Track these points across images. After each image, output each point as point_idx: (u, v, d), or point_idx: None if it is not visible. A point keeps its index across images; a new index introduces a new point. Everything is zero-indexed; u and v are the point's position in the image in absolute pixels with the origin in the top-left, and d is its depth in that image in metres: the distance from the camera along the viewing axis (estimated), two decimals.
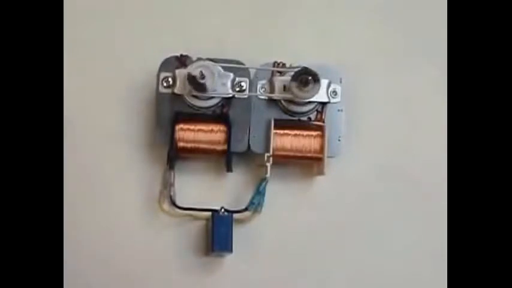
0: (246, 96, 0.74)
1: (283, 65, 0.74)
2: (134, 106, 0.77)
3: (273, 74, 0.74)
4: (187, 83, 0.71)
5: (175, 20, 0.79)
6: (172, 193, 0.74)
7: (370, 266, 0.76)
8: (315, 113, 0.74)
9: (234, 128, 0.73)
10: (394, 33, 0.80)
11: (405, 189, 0.77)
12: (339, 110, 0.75)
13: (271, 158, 0.73)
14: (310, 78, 0.71)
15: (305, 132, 0.74)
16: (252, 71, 0.74)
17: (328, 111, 0.74)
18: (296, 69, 0.71)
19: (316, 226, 0.76)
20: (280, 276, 0.76)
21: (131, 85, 0.77)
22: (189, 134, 0.74)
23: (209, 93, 0.72)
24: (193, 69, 0.71)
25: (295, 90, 0.71)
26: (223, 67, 0.73)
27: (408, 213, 0.77)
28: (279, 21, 0.80)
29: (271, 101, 0.74)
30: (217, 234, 0.72)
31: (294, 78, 0.71)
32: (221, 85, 0.72)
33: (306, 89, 0.71)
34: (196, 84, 0.70)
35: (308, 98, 0.72)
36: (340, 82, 0.74)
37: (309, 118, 0.75)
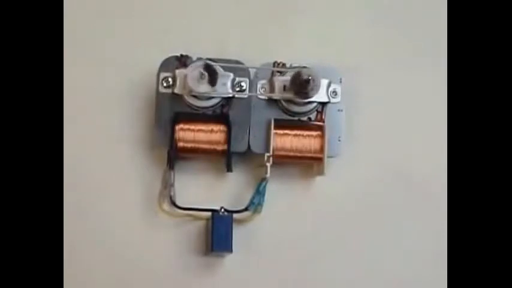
0: (246, 96, 0.74)
1: (283, 65, 0.74)
2: (134, 106, 0.77)
3: (273, 74, 0.74)
4: (189, 82, 0.71)
5: (175, 20, 0.79)
6: (172, 193, 0.74)
7: (370, 266, 0.76)
8: (315, 113, 0.75)
9: (234, 128, 0.73)
10: (394, 33, 0.80)
11: (405, 189, 0.77)
12: (339, 110, 0.75)
13: (271, 158, 0.73)
14: (309, 77, 0.71)
15: (305, 132, 0.74)
16: (252, 71, 0.74)
17: (328, 111, 0.74)
18: (295, 70, 0.72)
19: (316, 226, 0.76)
20: (280, 276, 0.76)
21: (131, 85, 0.77)
22: (189, 134, 0.74)
23: (209, 93, 0.72)
24: (195, 69, 0.71)
25: (294, 94, 0.71)
26: (223, 67, 0.73)
27: (408, 213, 0.77)
28: (279, 21, 0.80)
29: (271, 101, 0.74)
30: (217, 234, 0.72)
31: (293, 80, 0.71)
32: (221, 85, 0.72)
33: (305, 91, 0.71)
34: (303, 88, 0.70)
35: (307, 99, 0.72)
36: (340, 82, 0.74)
37: (309, 118, 0.75)
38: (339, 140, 0.74)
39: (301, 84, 0.71)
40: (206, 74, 0.70)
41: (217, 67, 0.72)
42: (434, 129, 0.78)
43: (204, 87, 0.71)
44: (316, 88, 0.71)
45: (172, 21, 0.79)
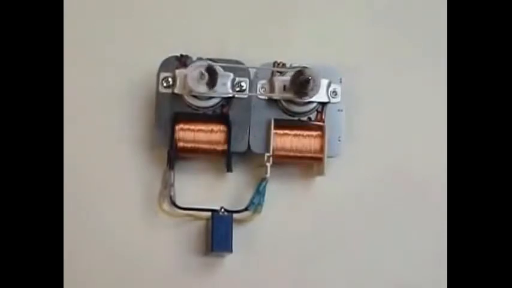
0: (246, 96, 0.74)
1: (283, 65, 0.74)
2: (134, 106, 0.77)
3: (273, 74, 0.74)
4: (189, 82, 0.71)
5: (175, 20, 0.79)
6: (172, 193, 0.74)
7: (370, 266, 0.76)
8: (315, 113, 0.75)
9: (234, 128, 0.73)
10: (394, 33, 0.80)
11: (405, 189, 0.77)
12: (339, 110, 0.75)
13: (271, 158, 0.73)
14: (309, 77, 0.71)
15: (305, 132, 0.74)
16: (252, 71, 0.74)
17: (328, 111, 0.74)
18: (295, 69, 0.72)
19: (316, 226, 0.76)
20: (280, 276, 0.75)
21: (131, 85, 0.77)
22: (189, 134, 0.74)
23: (209, 94, 0.72)
24: (195, 69, 0.71)
25: (294, 94, 0.71)
26: (223, 67, 0.73)
27: (408, 213, 0.77)
28: (279, 21, 0.80)
29: (271, 101, 0.74)
30: (217, 234, 0.72)
31: (293, 79, 0.71)
32: (221, 85, 0.72)
33: (305, 91, 0.71)
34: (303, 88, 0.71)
35: (307, 99, 0.72)
36: (340, 82, 0.74)
37: (309, 118, 0.75)
38: (339, 140, 0.74)
39: (301, 84, 0.71)
40: (207, 74, 0.70)
41: (218, 67, 0.72)
42: (434, 129, 0.78)
43: (204, 88, 0.71)
44: (316, 88, 0.71)
45: (172, 21, 0.79)
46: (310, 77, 0.71)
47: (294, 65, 0.74)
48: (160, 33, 0.79)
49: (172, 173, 0.73)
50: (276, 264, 0.76)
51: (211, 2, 0.80)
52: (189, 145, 0.74)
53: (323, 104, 0.74)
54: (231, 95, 0.73)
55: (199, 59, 0.73)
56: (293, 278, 0.76)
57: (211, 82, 0.71)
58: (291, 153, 0.74)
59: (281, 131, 0.74)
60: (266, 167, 0.73)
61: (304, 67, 0.72)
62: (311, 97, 0.72)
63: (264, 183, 0.74)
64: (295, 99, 0.73)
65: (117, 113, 0.77)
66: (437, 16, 0.79)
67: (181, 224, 0.75)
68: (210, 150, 0.74)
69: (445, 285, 0.65)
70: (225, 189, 0.76)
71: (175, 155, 0.73)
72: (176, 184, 0.74)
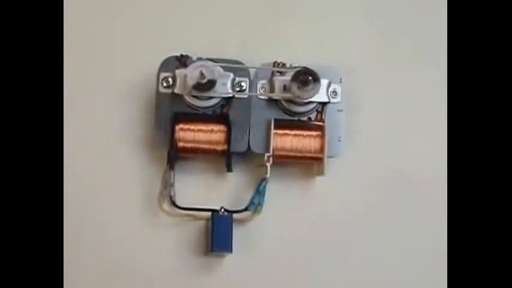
0: (246, 96, 0.74)
1: (283, 65, 0.74)
2: (134, 106, 0.77)
3: (273, 74, 0.74)
4: (189, 82, 0.71)
5: (175, 20, 0.79)
6: (172, 193, 0.74)
7: (370, 266, 0.76)
8: (315, 113, 0.75)
9: (234, 128, 0.73)
10: (394, 33, 0.80)
11: (405, 190, 0.77)
12: (339, 110, 0.75)
13: (271, 158, 0.73)
14: (310, 78, 0.71)
15: (305, 132, 0.74)
16: (252, 71, 0.74)
17: (328, 111, 0.74)
18: (296, 69, 0.72)
19: (316, 226, 0.76)
20: (280, 276, 0.75)
21: (131, 85, 0.77)
22: (189, 134, 0.74)
23: (209, 93, 0.72)
24: (195, 69, 0.71)
25: (295, 90, 0.71)
26: (223, 67, 0.73)
27: (408, 213, 0.77)
28: (279, 21, 0.80)
29: (271, 101, 0.74)
30: (217, 234, 0.72)
31: (294, 78, 0.71)
32: (221, 85, 0.72)
33: (306, 89, 0.71)
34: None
35: (308, 98, 0.72)
36: (340, 82, 0.74)
37: (309, 118, 0.75)
38: (339, 140, 0.74)
39: (302, 84, 0.71)
40: (206, 79, 0.70)
41: (218, 69, 0.72)
42: (434, 129, 0.78)
43: (197, 87, 0.71)
44: (317, 88, 0.71)
45: (172, 21, 0.79)
46: (310, 77, 0.71)
47: (294, 65, 0.74)
48: (160, 33, 0.79)
49: (172, 173, 0.73)
50: (276, 264, 0.76)
51: (211, 2, 0.80)
52: (189, 145, 0.74)
53: (323, 104, 0.74)
54: (231, 95, 0.73)
55: (199, 59, 0.73)
56: (293, 277, 0.76)
57: (204, 88, 0.70)
58: (291, 153, 0.74)
59: (281, 131, 0.74)
60: (266, 167, 0.73)
61: (304, 67, 0.72)
62: (311, 97, 0.72)
63: (264, 183, 0.74)
64: (295, 99, 0.73)
65: (117, 113, 0.77)
66: (437, 16, 0.79)
67: (181, 224, 0.75)
68: (210, 150, 0.74)
69: (445, 285, 0.65)
70: (225, 189, 0.76)
71: (175, 155, 0.73)
72: (176, 184, 0.74)
